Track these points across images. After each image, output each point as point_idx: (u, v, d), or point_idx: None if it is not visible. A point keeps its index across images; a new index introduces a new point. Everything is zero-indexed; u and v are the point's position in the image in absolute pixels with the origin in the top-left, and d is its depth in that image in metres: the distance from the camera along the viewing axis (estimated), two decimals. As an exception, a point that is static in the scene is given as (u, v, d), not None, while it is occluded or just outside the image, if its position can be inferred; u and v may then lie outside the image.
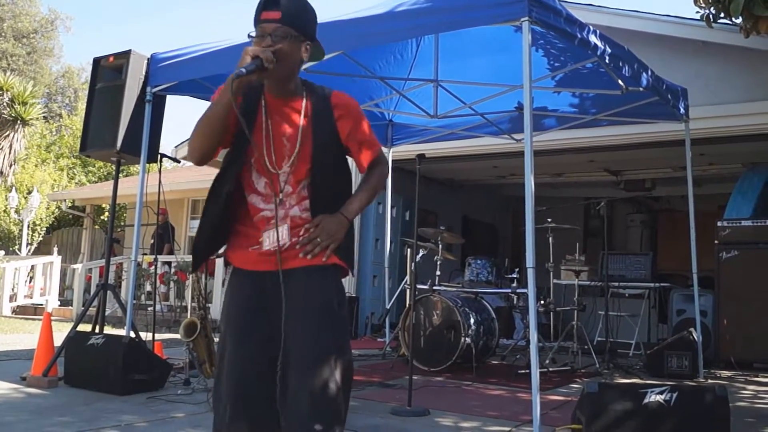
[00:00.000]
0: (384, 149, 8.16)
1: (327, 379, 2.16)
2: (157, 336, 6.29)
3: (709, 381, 6.30)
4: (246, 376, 2.24)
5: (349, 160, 2.44)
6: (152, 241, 11.97)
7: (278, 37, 2.21)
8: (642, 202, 13.68)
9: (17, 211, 18.74)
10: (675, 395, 3.49)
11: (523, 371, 6.13)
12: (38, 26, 28.78)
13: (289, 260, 2.28)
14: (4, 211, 19.44)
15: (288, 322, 2.22)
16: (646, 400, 3.51)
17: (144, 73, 5.68)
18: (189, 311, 10.68)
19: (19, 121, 15.01)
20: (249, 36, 2.27)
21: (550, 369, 6.56)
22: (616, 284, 8.39)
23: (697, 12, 5.06)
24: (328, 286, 2.31)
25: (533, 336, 3.94)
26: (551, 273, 7.33)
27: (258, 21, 2.25)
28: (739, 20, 4.95)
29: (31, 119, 15.43)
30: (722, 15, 4.96)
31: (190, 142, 2.28)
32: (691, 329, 6.62)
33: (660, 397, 3.50)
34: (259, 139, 2.30)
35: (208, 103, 2.33)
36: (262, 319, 2.27)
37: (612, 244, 11.95)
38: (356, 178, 2.35)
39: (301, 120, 2.32)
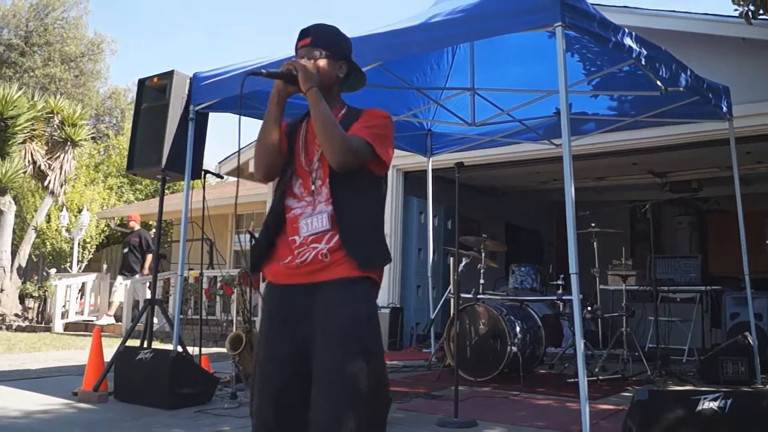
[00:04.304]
0: (423, 158, 8.25)
1: (354, 397, 2.13)
2: (204, 350, 6.35)
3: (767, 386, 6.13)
4: (276, 391, 2.26)
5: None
6: (125, 250, 12.38)
7: (311, 56, 2.45)
8: (689, 203, 13.43)
9: (68, 230, 19.15)
10: (730, 401, 3.39)
11: (572, 380, 6.04)
12: (85, 50, 29.42)
13: (319, 273, 2.30)
14: (56, 230, 19.87)
15: (317, 335, 2.23)
16: (699, 407, 3.41)
17: (187, 92, 5.78)
18: (235, 325, 10.80)
19: (69, 143, 15.37)
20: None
21: (600, 377, 6.45)
22: (666, 288, 8.23)
23: (736, 9, 4.96)
24: (357, 298, 2.28)
25: (579, 344, 3.88)
26: (597, 278, 7.22)
27: (295, 53, 2.50)
28: (777, 15, 4.85)
29: (80, 140, 15.78)
30: (761, 12, 4.86)
31: (255, 160, 2.46)
32: (746, 333, 6.45)
33: (714, 404, 3.41)
34: (297, 146, 2.47)
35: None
36: (292, 333, 2.29)
37: (660, 247, 11.77)
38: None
39: None
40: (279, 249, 2.38)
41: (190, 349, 5.80)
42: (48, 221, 19.65)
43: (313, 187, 2.37)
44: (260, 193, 12.70)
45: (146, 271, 12.66)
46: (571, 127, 4.33)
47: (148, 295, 12.73)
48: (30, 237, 15.74)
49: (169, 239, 18.50)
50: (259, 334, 2.40)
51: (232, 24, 63.82)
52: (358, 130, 2.37)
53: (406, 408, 5.07)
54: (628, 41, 4.54)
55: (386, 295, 10.25)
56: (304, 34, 2.49)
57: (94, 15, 45.51)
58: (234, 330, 7.13)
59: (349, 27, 2.75)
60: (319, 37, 2.48)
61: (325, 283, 2.29)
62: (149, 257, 12.71)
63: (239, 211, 15.31)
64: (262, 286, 2.50)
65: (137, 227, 13.22)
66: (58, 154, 15.49)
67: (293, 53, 2.52)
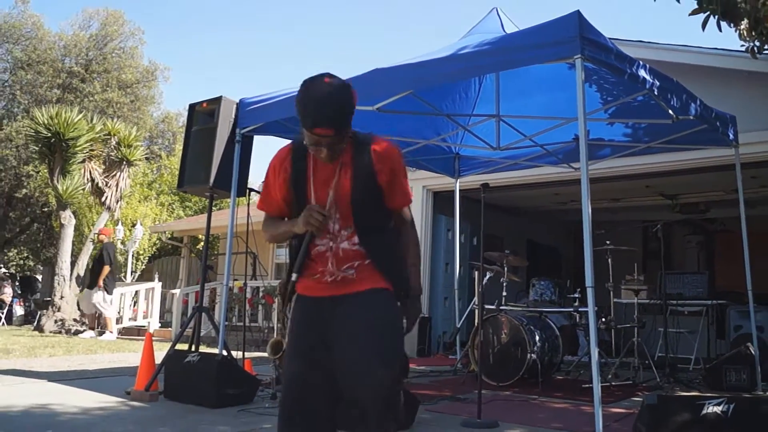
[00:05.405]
0: (451, 180, 8.30)
1: (377, 387, 2.22)
2: (247, 354, 6.41)
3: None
4: (300, 393, 2.36)
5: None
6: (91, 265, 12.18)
7: (332, 144, 2.35)
8: (698, 224, 13.30)
9: (123, 243, 19.40)
10: (732, 406, 3.42)
11: (586, 386, 6.03)
12: (140, 77, 29.83)
13: (346, 286, 2.41)
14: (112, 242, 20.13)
15: (342, 339, 2.33)
16: (703, 411, 3.43)
17: (233, 116, 5.85)
18: (275, 331, 10.87)
19: (124, 162, 15.57)
20: (304, 141, 2.40)
21: (613, 383, 6.43)
22: (675, 302, 8.17)
23: (742, 45, 4.93)
24: (380, 305, 2.40)
25: (594, 352, 3.90)
26: (611, 292, 7.20)
27: (312, 131, 2.34)
28: (781, 52, 4.83)
29: (135, 160, 15.97)
30: (766, 48, 4.84)
31: (264, 236, 2.60)
32: (748, 344, 6.40)
33: (717, 408, 3.42)
34: (308, 190, 2.46)
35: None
36: (317, 338, 2.39)
37: (670, 264, 11.65)
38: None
39: (339, 164, 2.44)
40: (309, 267, 2.48)
41: (234, 353, 5.84)
42: (104, 234, 19.93)
43: (330, 229, 2.43)
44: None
45: (100, 283, 12.45)
46: (589, 152, 4.36)
47: (90, 309, 12.70)
48: (88, 249, 15.94)
49: (216, 252, 18.66)
50: (289, 339, 2.51)
51: (282, 59, 64.51)
52: (397, 193, 2.50)
53: (432, 409, 5.10)
54: (642, 73, 4.56)
55: (415, 306, 10.25)
56: (323, 122, 2.31)
57: (150, 45, 46.29)
58: (275, 336, 7.20)
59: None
60: (340, 126, 2.32)
61: (352, 294, 2.41)
62: (105, 269, 12.49)
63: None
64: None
65: (106, 240, 13.07)
66: (115, 172, 15.69)
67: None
